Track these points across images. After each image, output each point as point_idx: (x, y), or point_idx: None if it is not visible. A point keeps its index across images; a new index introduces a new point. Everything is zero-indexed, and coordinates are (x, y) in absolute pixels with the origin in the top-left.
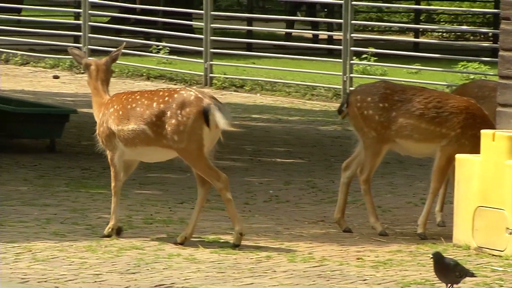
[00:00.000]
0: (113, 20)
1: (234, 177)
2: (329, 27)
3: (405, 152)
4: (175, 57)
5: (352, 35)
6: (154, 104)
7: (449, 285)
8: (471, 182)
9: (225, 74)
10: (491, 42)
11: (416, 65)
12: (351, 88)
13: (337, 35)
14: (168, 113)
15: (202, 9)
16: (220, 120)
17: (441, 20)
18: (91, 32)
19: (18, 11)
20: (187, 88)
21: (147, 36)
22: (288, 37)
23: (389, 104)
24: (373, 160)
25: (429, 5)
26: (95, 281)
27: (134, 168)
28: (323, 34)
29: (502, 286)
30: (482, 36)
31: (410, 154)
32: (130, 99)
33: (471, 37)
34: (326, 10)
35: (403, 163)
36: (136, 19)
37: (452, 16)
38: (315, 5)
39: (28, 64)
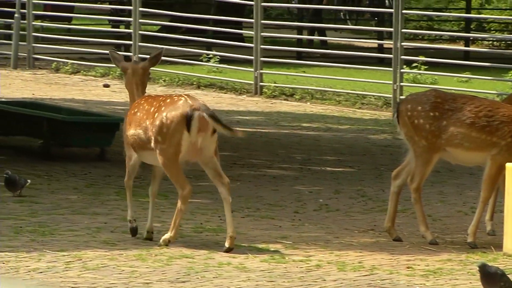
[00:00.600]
0: (164, 29)
1: (284, 186)
2: (380, 35)
3: (455, 161)
4: (225, 65)
5: (402, 43)
6: (153, 109)
7: None
8: None
9: (275, 83)
10: None
11: (467, 74)
12: (401, 97)
13: (387, 43)
14: (158, 118)
15: (252, 18)
16: (195, 124)
17: (492, 28)
18: (142, 41)
19: (68, 20)
20: (183, 94)
21: (197, 45)
22: (310, 44)
23: (439, 113)
24: (424, 169)
25: (480, 13)
26: None
27: (161, 173)
28: (373, 43)
29: None
30: None
31: (461, 163)
32: (139, 104)
33: None
34: (376, 18)
35: (453, 172)
36: (187, 28)
37: (503, 25)
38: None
39: (79, 72)
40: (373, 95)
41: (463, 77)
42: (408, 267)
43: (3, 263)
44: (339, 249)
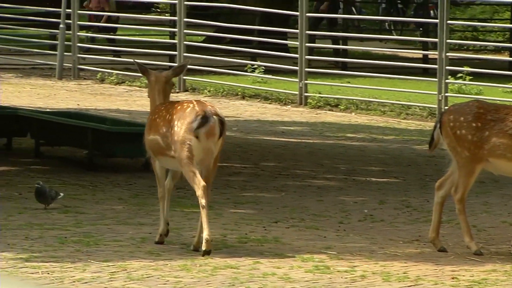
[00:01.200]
0: (209, 39)
1: (328, 196)
2: (424, 46)
3: (498, 172)
4: (270, 76)
5: (447, 54)
6: (168, 116)
7: None
8: None
9: (320, 93)
10: None
11: (511, 84)
12: (446, 107)
13: (432, 54)
14: (171, 125)
15: (297, 28)
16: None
17: None
18: (187, 51)
19: (113, 31)
20: (193, 100)
21: (242, 55)
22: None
23: (482, 123)
24: (467, 180)
25: None
26: None
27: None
28: (418, 53)
29: None
30: None
31: (503, 174)
32: (159, 111)
33: None
34: (421, 29)
35: (498, 182)
36: (232, 38)
37: None
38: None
39: (124, 83)
40: (418, 106)
41: (508, 88)
42: (453, 278)
43: (48, 273)
44: (384, 259)
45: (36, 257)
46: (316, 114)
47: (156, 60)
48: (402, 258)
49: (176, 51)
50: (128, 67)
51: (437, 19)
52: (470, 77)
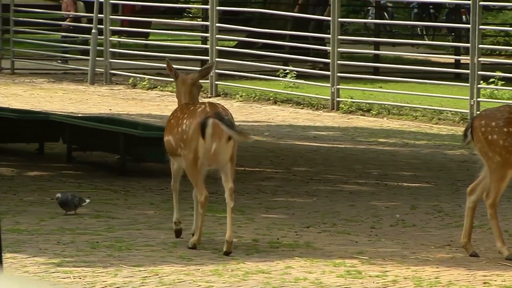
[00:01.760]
0: (241, 44)
1: (360, 201)
2: (456, 51)
3: None
4: (302, 81)
5: (479, 59)
6: (181, 117)
7: None
8: None
9: (352, 98)
10: None
11: None
12: (478, 112)
13: (464, 59)
14: (181, 125)
15: (329, 33)
16: (208, 131)
17: None
18: (218, 56)
19: (145, 36)
20: (206, 102)
21: (274, 60)
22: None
23: None
24: (499, 185)
25: None
26: None
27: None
28: (450, 58)
29: None
30: None
31: None
32: (176, 112)
33: None
34: (453, 34)
35: None
36: (263, 43)
37: None
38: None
39: (156, 88)
40: (450, 111)
41: None
42: (484, 283)
43: (80, 278)
44: (416, 264)
45: (68, 262)
46: (348, 119)
47: (187, 65)
48: (433, 263)
49: (208, 56)
50: (160, 72)
51: (469, 24)
52: (502, 82)
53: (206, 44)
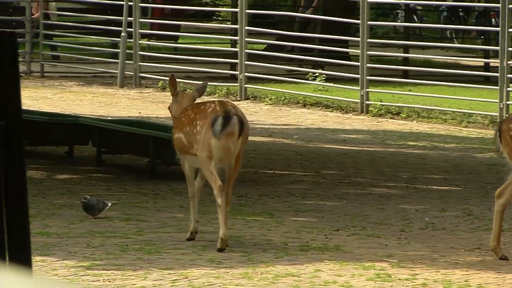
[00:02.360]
0: (270, 47)
1: (389, 205)
2: (486, 54)
3: None
4: (331, 84)
5: (509, 62)
6: (192, 116)
7: None
8: None
9: (381, 101)
10: None
11: None
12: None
13: (493, 62)
14: (194, 125)
15: (358, 37)
16: (216, 129)
17: None
18: (248, 59)
19: (175, 39)
20: (216, 101)
21: (303, 63)
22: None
23: None
24: None
25: None
26: None
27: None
28: (479, 61)
29: None
30: None
31: None
32: (186, 110)
33: None
34: (482, 37)
35: None
36: (293, 46)
37: None
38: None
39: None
40: (479, 114)
41: None
42: None
43: (109, 281)
44: (445, 267)
45: (98, 265)
46: (378, 122)
47: (217, 68)
48: (463, 266)
49: (237, 59)
50: (189, 75)
51: (498, 27)
52: None
53: (235, 47)
